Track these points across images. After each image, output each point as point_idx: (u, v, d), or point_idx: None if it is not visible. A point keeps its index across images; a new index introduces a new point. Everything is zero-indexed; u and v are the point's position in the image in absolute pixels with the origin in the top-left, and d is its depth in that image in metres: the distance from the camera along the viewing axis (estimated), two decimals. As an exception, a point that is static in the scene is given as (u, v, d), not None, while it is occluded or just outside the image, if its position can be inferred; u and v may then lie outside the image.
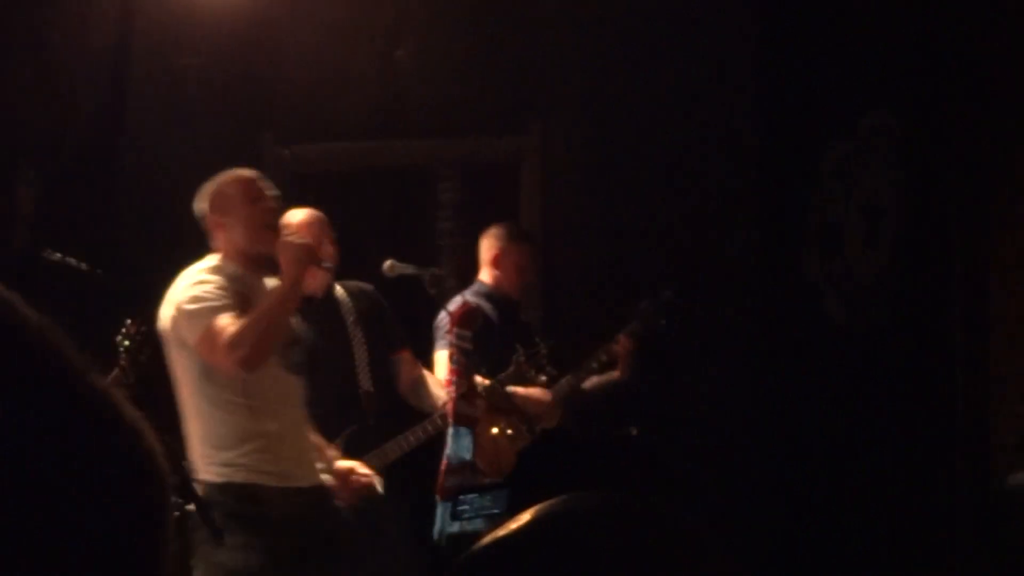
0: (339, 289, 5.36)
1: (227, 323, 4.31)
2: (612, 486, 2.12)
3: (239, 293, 4.42)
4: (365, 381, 5.28)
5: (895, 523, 5.71)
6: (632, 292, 5.94)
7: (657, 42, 6.37)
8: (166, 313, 4.42)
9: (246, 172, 4.61)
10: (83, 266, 4.52)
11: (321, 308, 5.23)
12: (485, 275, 5.73)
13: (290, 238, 4.46)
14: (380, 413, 5.28)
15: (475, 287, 5.69)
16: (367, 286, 5.47)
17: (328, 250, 5.10)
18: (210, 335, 4.31)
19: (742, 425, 6.19)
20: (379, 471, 5.12)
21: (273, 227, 4.52)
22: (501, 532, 1.51)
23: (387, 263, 5.21)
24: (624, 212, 6.47)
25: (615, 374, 5.67)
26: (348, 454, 5.07)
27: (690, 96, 6.35)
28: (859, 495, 5.82)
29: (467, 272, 6.01)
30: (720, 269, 6.28)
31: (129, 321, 4.49)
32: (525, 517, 1.54)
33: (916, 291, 5.77)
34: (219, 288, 4.39)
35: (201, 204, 4.55)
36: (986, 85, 5.58)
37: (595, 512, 1.58)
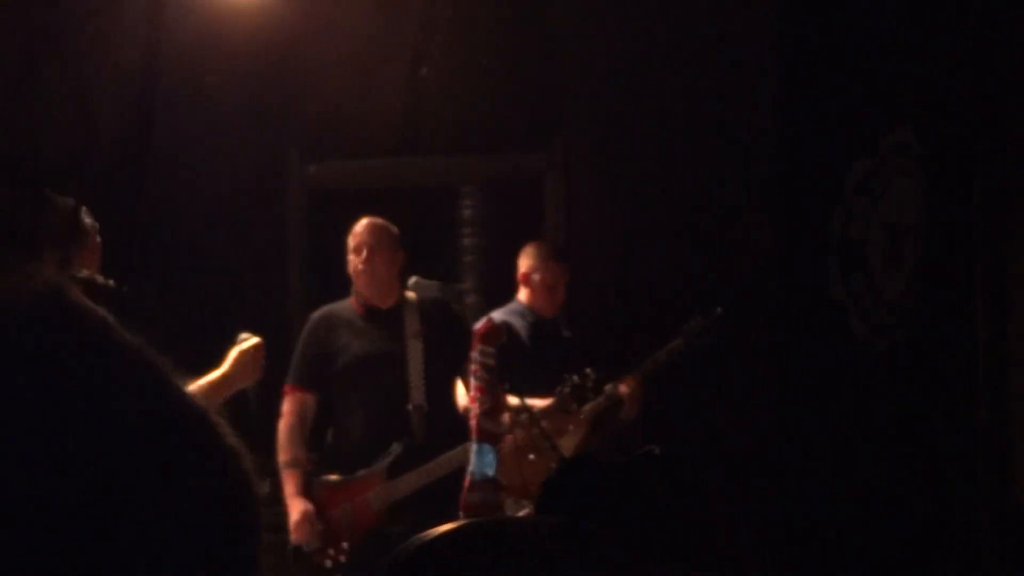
0: (411, 298, 5.27)
1: None
2: (635, 504, 2.14)
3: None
4: (417, 396, 5.16)
5: (916, 540, 5.71)
6: (654, 308, 5.96)
7: (679, 59, 6.39)
8: None
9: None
10: (110, 283, 4.55)
11: (383, 319, 5.22)
12: (521, 293, 5.78)
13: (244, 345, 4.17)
14: (433, 431, 5.14)
15: (510, 305, 5.74)
16: (450, 303, 5.32)
17: (391, 259, 5.24)
18: None
19: (763, 441, 6.19)
20: (413, 492, 5.05)
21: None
22: (430, 534, 1.59)
23: (411, 280, 5.24)
24: (646, 228, 6.48)
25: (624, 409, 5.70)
26: (390, 472, 5.07)
27: (711, 113, 6.36)
28: (881, 511, 5.82)
29: (491, 288, 6.04)
30: (743, 286, 6.29)
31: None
32: (451, 525, 1.63)
33: (938, 309, 5.77)
34: None
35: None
36: (1009, 102, 5.58)
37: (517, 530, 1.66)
